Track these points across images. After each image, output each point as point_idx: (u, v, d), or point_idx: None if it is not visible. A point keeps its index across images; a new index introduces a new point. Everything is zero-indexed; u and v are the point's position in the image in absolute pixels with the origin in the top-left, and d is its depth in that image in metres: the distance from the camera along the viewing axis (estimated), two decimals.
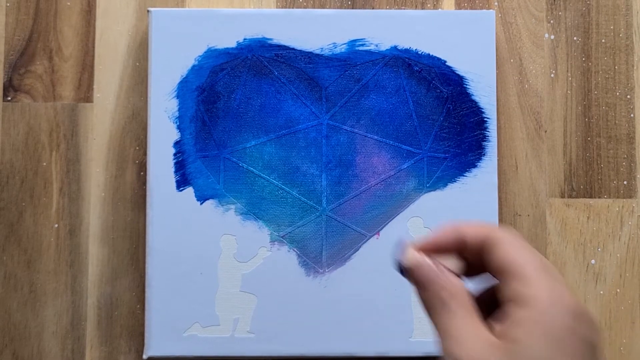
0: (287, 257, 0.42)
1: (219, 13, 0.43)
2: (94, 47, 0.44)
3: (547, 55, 0.45)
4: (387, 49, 0.43)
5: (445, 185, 0.43)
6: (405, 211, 0.43)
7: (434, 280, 0.30)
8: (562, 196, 0.44)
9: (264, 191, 0.43)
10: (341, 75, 0.43)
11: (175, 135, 0.43)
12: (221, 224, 0.42)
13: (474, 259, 0.30)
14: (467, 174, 0.43)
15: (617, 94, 0.45)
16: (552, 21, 0.45)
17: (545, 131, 0.45)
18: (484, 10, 0.44)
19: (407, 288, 0.42)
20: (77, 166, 0.44)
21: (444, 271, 0.30)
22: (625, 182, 0.44)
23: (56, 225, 0.44)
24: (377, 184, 0.43)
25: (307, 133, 0.43)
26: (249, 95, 0.43)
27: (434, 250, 0.30)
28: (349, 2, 0.45)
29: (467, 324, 0.29)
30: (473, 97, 0.43)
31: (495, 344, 0.28)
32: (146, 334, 0.42)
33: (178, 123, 0.43)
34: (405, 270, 0.30)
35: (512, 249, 0.29)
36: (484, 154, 0.43)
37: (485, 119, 0.43)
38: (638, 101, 0.45)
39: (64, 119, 0.44)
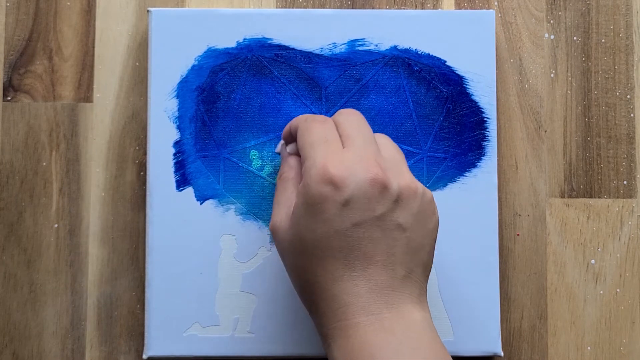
0: None
1: (219, 13, 0.43)
2: (93, 47, 0.44)
3: (547, 55, 0.45)
4: (387, 49, 0.43)
5: (445, 185, 0.43)
6: None
7: (282, 158, 0.40)
8: (562, 196, 0.44)
9: (264, 191, 0.43)
10: (341, 75, 0.43)
11: (175, 135, 0.43)
12: (221, 224, 0.42)
13: None
14: (467, 174, 0.43)
15: (617, 94, 0.45)
16: (552, 21, 0.45)
17: (545, 131, 0.45)
18: (484, 10, 0.44)
19: None
20: (77, 166, 0.44)
21: (285, 153, 0.39)
22: (625, 182, 0.44)
23: (56, 225, 0.44)
24: None
25: None
26: (249, 95, 0.43)
27: (288, 141, 0.39)
28: (349, 2, 0.45)
29: (288, 197, 0.36)
30: (473, 97, 0.43)
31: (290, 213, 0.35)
32: (146, 334, 0.42)
33: (178, 123, 0.43)
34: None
35: (300, 133, 0.37)
36: (484, 154, 0.43)
37: (485, 119, 0.43)
38: (638, 101, 0.45)
39: (64, 119, 0.44)
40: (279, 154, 0.42)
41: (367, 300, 0.33)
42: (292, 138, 0.39)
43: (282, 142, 0.40)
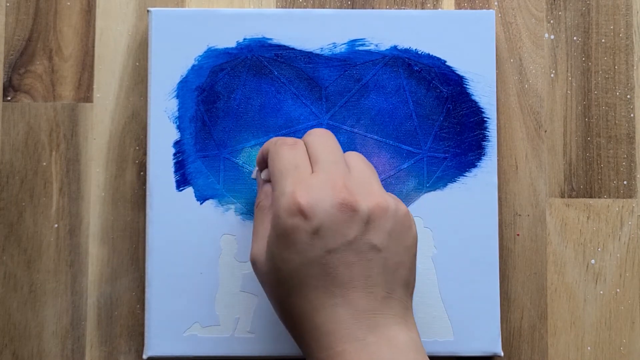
0: None
1: (219, 13, 0.43)
2: (93, 47, 0.44)
3: (547, 55, 0.45)
4: (387, 49, 0.43)
5: (445, 185, 0.43)
6: None
7: (257, 185, 0.39)
8: (562, 196, 0.44)
9: None
10: (341, 75, 0.43)
11: (175, 135, 0.43)
12: (221, 224, 0.42)
13: None
14: (467, 173, 0.43)
15: (617, 94, 0.45)
16: (552, 21, 0.45)
17: (545, 131, 0.45)
18: (484, 10, 0.44)
19: None
20: (77, 166, 0.44)
21: (260, 180, 0.38)
22: (625, 182, 0.44)
23: (56, 225, 0.44)
24: None
25: None
26: (249, 95, 0.43)
27: (262, 167, 0.38)
28: (349, 2, 0.45)
29: (265, 227, 0.36)
30: (473, 97, 0.43)
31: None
32: (146, 334, 0.42)
33: (178, 123, 0.43)
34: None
35: (270, 158, 0.36)
36: (484, 154, 0.43)
37: (485, 119, 0.43)
38: (638, 101, 0.45)
39: (64, 119, 0.44)
40: (255, 179, 0.41)
41: (350, 326, 0.32)
42: (265, 163, 0.38)
43: (256, 168, 0.40)
